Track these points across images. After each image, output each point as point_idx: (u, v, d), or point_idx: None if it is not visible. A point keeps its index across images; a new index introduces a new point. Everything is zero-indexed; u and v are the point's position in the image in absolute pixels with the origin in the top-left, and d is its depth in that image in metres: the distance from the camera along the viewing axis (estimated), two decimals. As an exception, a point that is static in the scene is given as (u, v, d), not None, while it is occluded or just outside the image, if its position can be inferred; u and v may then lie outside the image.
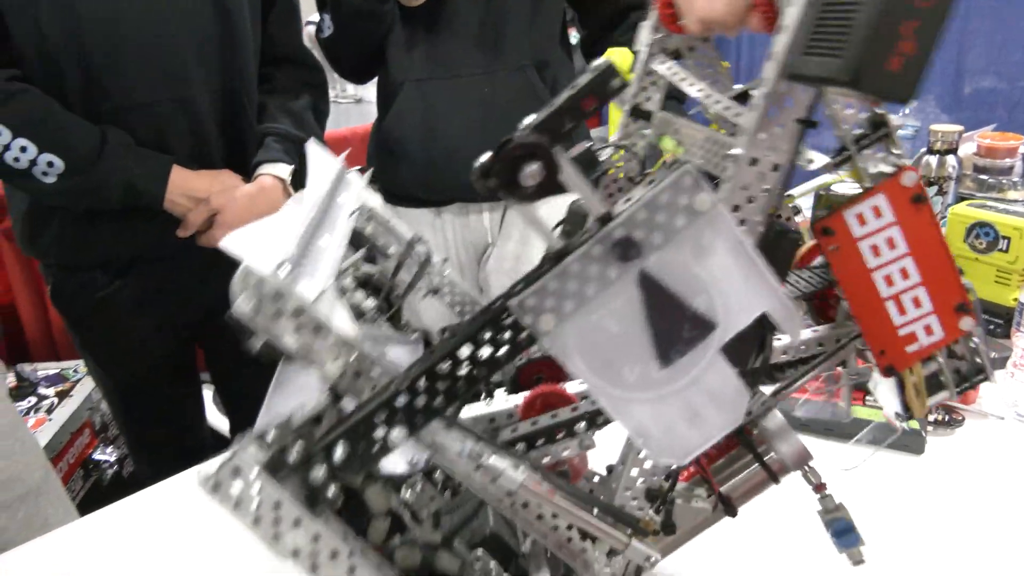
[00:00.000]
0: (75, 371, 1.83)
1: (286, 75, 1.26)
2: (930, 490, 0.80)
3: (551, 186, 0.36)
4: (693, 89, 0.59)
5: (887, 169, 0.48)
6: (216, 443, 1.46)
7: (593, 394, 0.41)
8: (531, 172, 0.35)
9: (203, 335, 1.31)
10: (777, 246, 0.46)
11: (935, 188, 1.33)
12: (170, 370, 1.28)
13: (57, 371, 1.83)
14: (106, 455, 1.75)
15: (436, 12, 1.22)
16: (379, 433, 0.40)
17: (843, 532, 0.52)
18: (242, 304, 0.37)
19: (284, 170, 1.19)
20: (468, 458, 0.42)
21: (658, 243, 0.38)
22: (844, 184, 1.03)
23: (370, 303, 0.60)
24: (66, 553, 0.80)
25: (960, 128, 1.31)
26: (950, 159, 1.32)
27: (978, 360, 0.53)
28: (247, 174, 1.18)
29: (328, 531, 0.40)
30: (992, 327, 1.11)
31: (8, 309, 1.94)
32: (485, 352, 0.39)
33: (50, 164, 1.03)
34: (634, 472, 0.48)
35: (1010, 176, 1.42)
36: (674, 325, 0.40)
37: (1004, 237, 1.11)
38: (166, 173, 1.09)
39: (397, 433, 0.40)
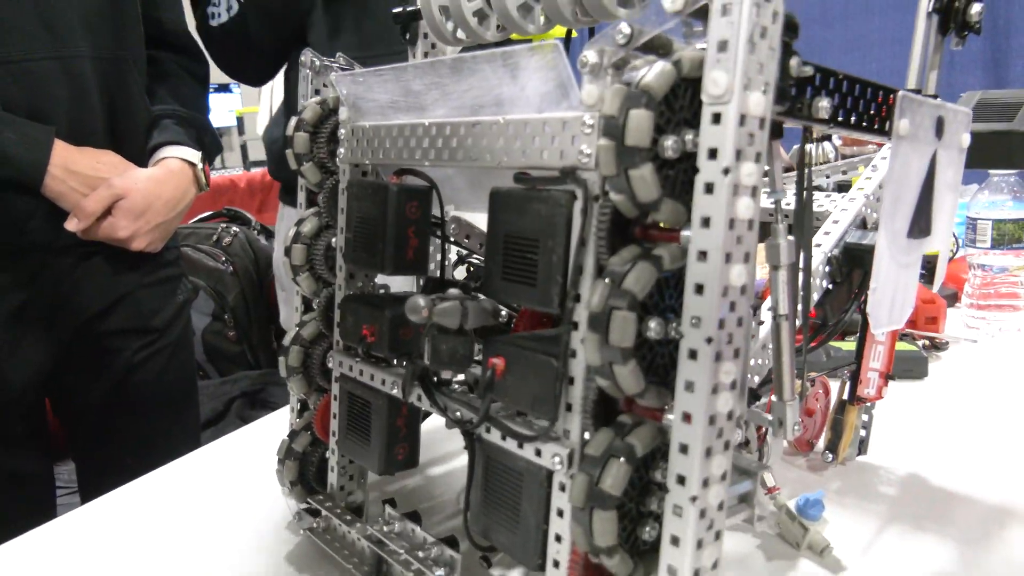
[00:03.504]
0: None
1: (173, 61, 1.10)
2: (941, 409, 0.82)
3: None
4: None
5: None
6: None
7: (881, 236, 0.44)
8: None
9: (66, 366, 1.00)
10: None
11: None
12: (17, 420, 0.96)
13: None
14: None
15: None
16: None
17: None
18: None
19: (192, 155, 1.03)
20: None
21: (946, 144, 0.47)
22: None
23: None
24: None
25: (828, 118, 1.39)
26: (827, 146, 1.30)
27: (863, 433, 0.67)
28: (132, 158, 0.99)
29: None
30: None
31: None
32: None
33: None
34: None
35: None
36: (922, 211, 0.47)
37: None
38: (48, 141, 0.88)
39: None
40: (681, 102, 0.33)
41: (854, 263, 0.53)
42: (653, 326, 0.33)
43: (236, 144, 7.81)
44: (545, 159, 0.38)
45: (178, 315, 1.09)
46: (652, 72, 0.32)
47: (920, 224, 0.47)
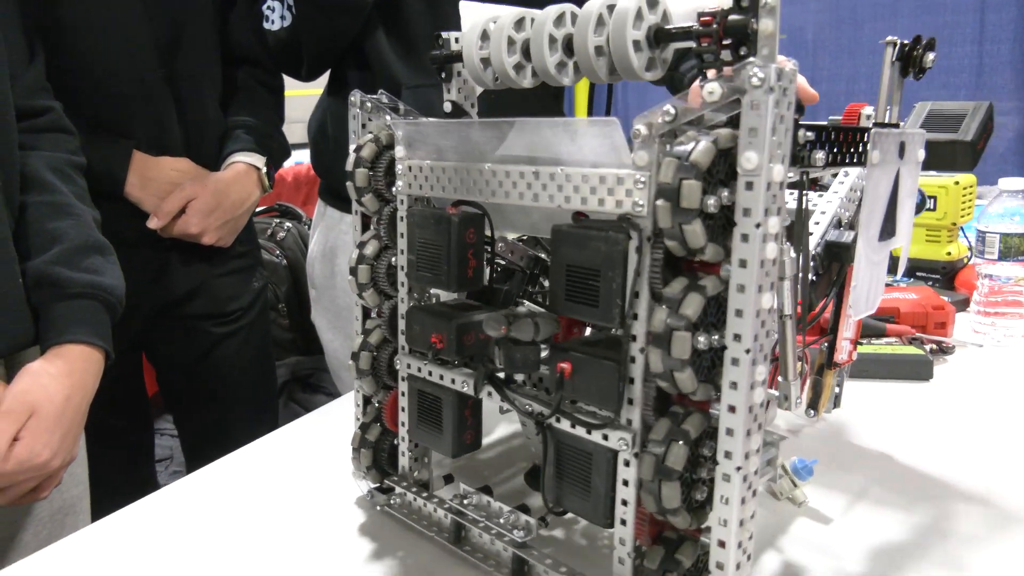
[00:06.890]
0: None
1: (247, 75, 1.23)
2: (943, 409, 0.87)
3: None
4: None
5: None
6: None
7: (859, 243, 0.55)
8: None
9: (157, 337, 1.20)
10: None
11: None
12: (115, 381, 1.03)
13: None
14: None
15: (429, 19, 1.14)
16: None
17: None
18: None
19: (258, 160, 1.17)
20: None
21: (906, 161, 0.58)
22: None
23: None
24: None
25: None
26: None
27: (837, 391, 0.79)
28: (206, 165, 1.14)
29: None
30: (929, 282, 1.27)
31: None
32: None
33: None
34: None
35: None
36: (889, 218, 0.58)
37: (931, 196, 1.25)
38: (127, 156, 1.05)
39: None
40: (718, 167, 0.42)
41: (832, 257, 0.65)
42: (702, 340, 0.43)
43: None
44: (604, 207, 0.47)
45: (255, 300, 1.25)
46: (698, 149, 0.41)
47: (887, 228, 0.58)
